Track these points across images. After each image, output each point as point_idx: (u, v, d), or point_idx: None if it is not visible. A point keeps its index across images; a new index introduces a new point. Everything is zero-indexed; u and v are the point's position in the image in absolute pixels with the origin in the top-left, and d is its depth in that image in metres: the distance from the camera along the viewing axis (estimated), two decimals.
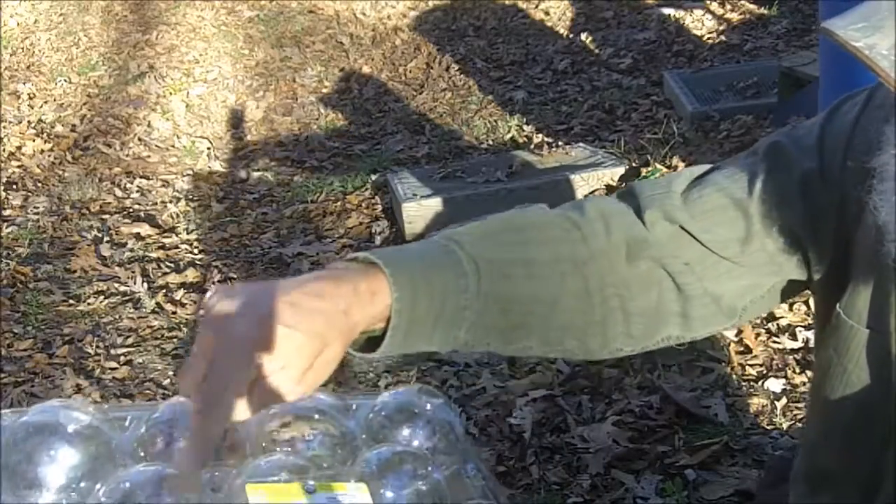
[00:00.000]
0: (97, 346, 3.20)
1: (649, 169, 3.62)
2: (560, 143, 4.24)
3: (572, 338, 1.06)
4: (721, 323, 1.10)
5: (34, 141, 4.97)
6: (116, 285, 3.60)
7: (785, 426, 2.39)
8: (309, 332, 0.87)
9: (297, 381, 0.87)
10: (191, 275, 3.66)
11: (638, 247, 1.06)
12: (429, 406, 1.07)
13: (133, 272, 3.66)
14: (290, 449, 0.98)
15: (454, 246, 1.01)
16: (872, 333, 0.99)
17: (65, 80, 5.59)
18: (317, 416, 1.01)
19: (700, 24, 5.46)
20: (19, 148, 4.92)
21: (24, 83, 5.55)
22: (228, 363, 0.86)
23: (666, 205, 1.07)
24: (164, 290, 3.55)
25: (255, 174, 4.65)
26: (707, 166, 1.12)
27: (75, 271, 3.71)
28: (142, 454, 0.96)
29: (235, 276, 3.64)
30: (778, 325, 2.73)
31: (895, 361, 0.97)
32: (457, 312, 0.98)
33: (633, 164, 3.75)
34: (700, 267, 1.06)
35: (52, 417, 0.93)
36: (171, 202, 4.36)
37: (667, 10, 5.64)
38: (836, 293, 1.04)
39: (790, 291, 1.10)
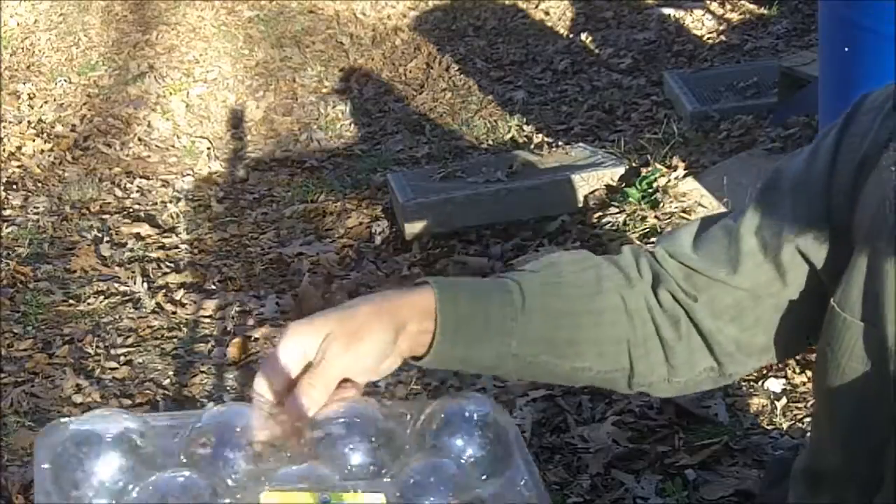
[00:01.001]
0: (97, 346, 3.20)
1: (649, 169, 3.62)
2: (560, 143, 4.24)
3: (623, 354, 1.11)
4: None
5: (34, 141, 4.97)
6: (116, 285, 3.60)
7: (785, 426, 2.39)
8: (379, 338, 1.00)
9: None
10: (191, 275, 3.66)
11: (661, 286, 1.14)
12: (480, 413, 1.02)
13: (133, 272, 3.65)
14: (330, 455, 0.95)
15: (497, 276, 1.13)
16: (867, 326, 0.99)
17: (65, 80, 5.59)
18: (360, 422, 0.97)
19: (700, 24, 5.46)
20: (19, 148, 4.91)
21: (24, 83, 5.55)
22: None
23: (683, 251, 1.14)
24: (164, 290, 3.55)
25: (255, 174, 4.65)
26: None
27: (75, 271, 3.71)
28: (184, 460, 0.94)
29: (235, 276, 3.64)
30: None
31: (891, 354, 0.96)
32: (503, 321, 1.06)
33: (633, 164, 3.75)
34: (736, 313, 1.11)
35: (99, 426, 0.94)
36: (171, 202, 4.36)
37: (667, 10, 5.64)
38: (831, 288, 1.03)
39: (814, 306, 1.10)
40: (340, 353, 0.97)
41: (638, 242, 3.24)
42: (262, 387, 0.98)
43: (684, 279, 1.11)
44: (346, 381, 0.99)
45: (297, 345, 0.98)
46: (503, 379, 2.71)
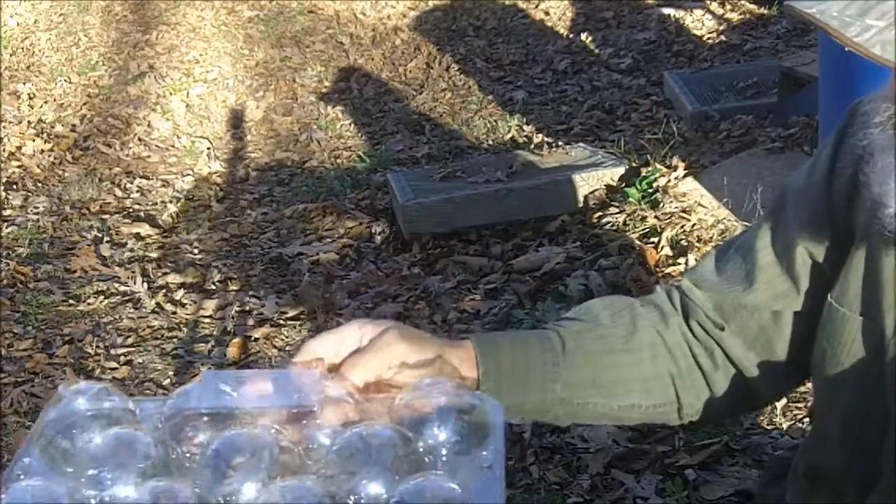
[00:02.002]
0: (97, 346, 3.20)
1: (649, 169, 3.62)
2: (560, 143, 4.24)
3: (669, 387, 1.14)
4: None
5: (34, 141, 4.97)
6: (116, 285, 3.60)
7: (785, 426, 2.39)
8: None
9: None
10: (191, 275, 3.66)
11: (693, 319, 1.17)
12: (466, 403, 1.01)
13: (133, 272, 3.66)
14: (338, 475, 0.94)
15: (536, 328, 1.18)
16: (866, 320, 1.00)
17: (65, 80, 5.59)
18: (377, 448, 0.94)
19: (700, 24, 5.46)
20: (19, 148, 4.92)
21: (24, 83, 5.55)
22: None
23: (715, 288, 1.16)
24: (164, 290, 3.55)
25: (255, 174, 4.65)
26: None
27: (75, 271, 3.71)
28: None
29: (235, 276, 3.64)
30: None
31: (889, 347, 0.98)
32: (545, 366, 1.10)
33: (633, 164, 3.75)
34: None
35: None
36: (171, 202, 4.36)
37: (667, 10, 5.64)
38: (830, 285, 1.05)
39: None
40: (398, 340, 1.01)
41: (638, 242, 3.24)
42: (311, 353, 1.00)
43: (713, 309, 1.15)
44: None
45: (357, 329, 1.02)
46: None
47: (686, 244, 3.11)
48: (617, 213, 3.45)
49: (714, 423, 1.24)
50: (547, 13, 6.00)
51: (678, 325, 1.16)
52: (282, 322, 3.30)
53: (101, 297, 3.52)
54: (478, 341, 1.09)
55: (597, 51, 5.44)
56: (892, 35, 0.78)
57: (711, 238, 3.11)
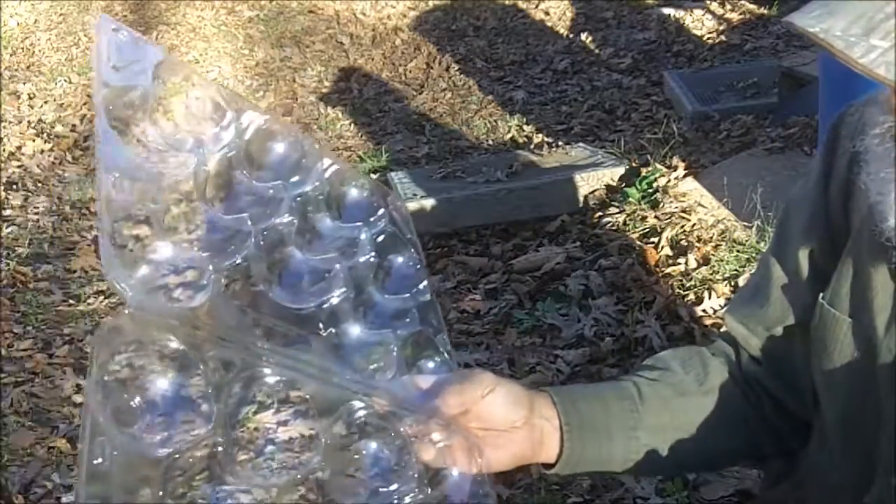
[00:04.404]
0: None
1: (649, 169, 3.62)
2: (560, 143, 4.24)
3: (745, 426, 1.16)
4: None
5: (34, 141, 4.97)
6: None
7: None
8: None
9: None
10: (191, 275, 3.65)
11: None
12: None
13: None
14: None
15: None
16: (856, 322, 1.01)
17: (65, 80, 5.59)
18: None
19: (700, 24, 5.46)
20: (19, 148, 4.91)
21: (24, 83, 5.55)
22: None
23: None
24: None
25: None
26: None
27: (75, 271, 3.71)
28: None
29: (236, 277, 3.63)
30: None
31: (879, 349, 0.98)
32: (623, 413, 1.12)
33: (633, 164, 3.75)
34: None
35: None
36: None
37: (667, 10, 5.64)
38: (823, 288, 1.06)
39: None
40: (489, 377, 1.02)
41: (638, 242, 3.24)
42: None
43: (756, 347, 1.17)
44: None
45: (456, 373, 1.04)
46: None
47: (686, 244, 3.11)
48: (617, 213, 3.45)
49: (787, 455, 1.24)
50: (547, 13, 6.00)
51: (737, 367, 1.18)
52: None
53: (101, 297, 3.51)
54: (554, 391, 1.10)
55: (597, 51, 5.44)
56: (894, 56, 0.77)
57: (711, 238, 3.11)
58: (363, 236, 1.11)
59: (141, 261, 0.91)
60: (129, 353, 0.87)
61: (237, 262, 0.98)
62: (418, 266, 1.13)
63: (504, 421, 1.02)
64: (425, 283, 1.12)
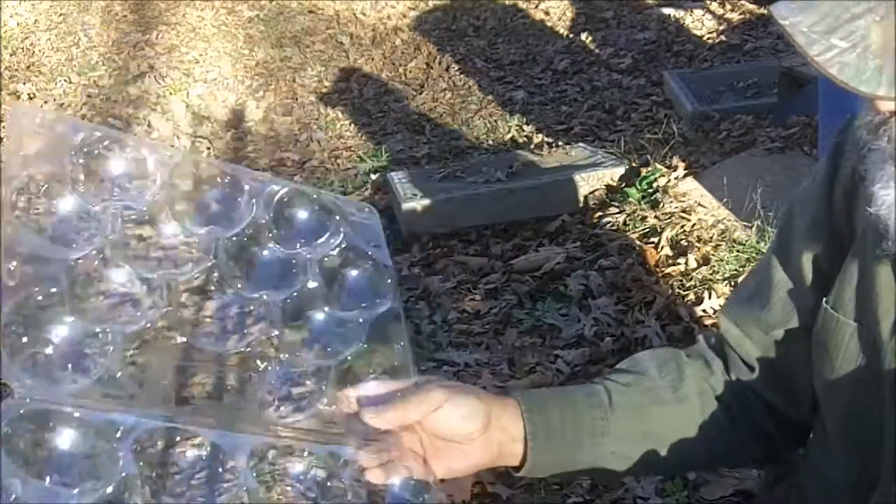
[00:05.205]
0: None
1: (649, 169, 3.62)
2: (560, 143, 4.24)
3: (723, 433, 1.15)
4: None
5: None
6: None
7: None
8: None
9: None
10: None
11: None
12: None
13: None
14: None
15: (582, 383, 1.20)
16: (860, 326, 1.01)
17: (65, 80, 5.59)
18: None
19: (700, 24, 5.46)
20: None
21: (24, 83, 5.55)
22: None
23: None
24: None
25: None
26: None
27: None
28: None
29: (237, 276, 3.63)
30: None
31: (884, 352, 0.98)
32: (594, 422, 1.11)
33: (633, 164, 3.75)
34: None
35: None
36: None
37: (667, 10, 5.64)
38: (826, 291, 1.06)
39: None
40: (439, 392, 1.01)
41: (638, 242, 3.24)
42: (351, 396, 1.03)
43: (748, 350, 1.15)
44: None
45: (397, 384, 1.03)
46: (501, 379, 2.71)
47: (686, 244, 3.11)
48: (617, 213, 3.45)
49: (777, 461, 1.23)
50: (547, 13, 6.00)
51: (721, 371, 1.17)
52: None
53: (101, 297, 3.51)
54: (523, 398, 1.09)
55: (597, 51, 5.44)
56: (852, 57, 0.77)
57: (711, 238, 3.11)
58: (309, 258, 1.12)
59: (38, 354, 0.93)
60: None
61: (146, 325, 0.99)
62: (376, 278, 1.13)
63: (456, 434, 1.02)
64: (389, 292, 1.12)
